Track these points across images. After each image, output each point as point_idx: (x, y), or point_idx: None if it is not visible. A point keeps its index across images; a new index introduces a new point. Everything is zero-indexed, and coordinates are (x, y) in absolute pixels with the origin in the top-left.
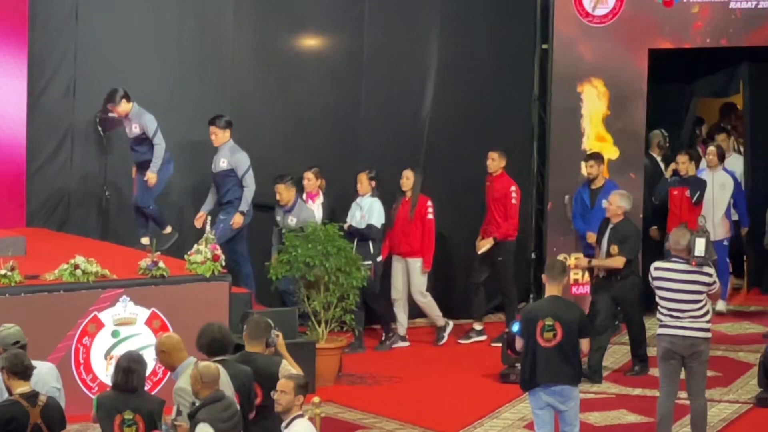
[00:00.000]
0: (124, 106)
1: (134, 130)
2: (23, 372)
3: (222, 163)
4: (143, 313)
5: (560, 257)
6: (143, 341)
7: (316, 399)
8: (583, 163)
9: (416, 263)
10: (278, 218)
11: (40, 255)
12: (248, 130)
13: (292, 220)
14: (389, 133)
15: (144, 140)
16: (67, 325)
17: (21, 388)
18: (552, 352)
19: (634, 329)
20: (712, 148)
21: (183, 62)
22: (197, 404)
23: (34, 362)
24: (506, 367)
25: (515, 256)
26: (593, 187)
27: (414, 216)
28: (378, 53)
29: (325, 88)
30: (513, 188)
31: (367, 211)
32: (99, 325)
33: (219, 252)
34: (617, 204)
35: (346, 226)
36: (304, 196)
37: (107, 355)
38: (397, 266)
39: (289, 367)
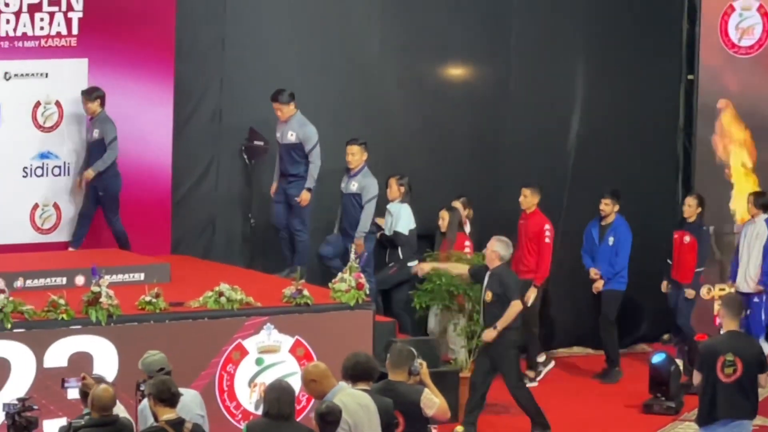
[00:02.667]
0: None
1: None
2: (170, 399)
3: (290, 136)
4: (287, 341)
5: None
6: (287, 369)
7: (459, 428)
8: (602, 200)
9: None
10: (342, 184)
11: (185, 282)
12: (393, 157)
13: (353, 185)
14: (535, 161)
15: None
16: (211, 352)
17: (167, 415)
18: (732, 388)
19: None
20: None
21: (328, 90)
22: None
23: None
24: (651, 397)
25: (543, 294)
26: (603, 223)
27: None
28: (524, 81)
29: (470, 116)
30: (547, 226)
31: (395, 217)
32: (243, 352)
33: (363, 280)
34: (492, 249)
35: (378, 234)
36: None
37: (251, 382)
38: None
39: (431, 396)
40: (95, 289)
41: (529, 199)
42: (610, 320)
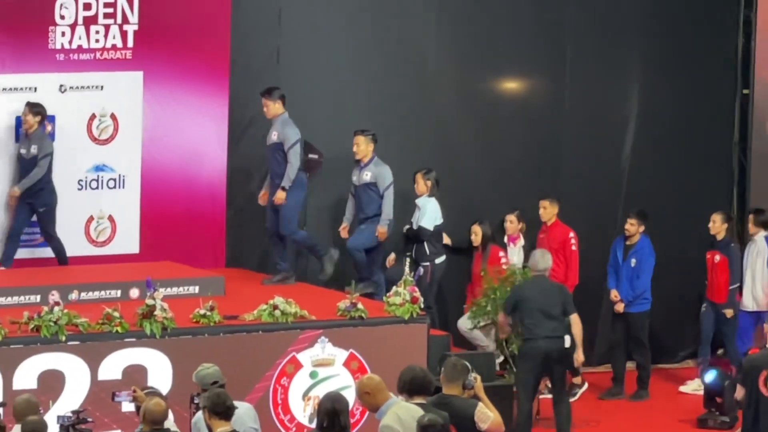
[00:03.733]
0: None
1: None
2: (225, 412)
3: (273, 136)
4: (341, 354)
5: None
6: (341, 382)
7: None
8: (628, 219)
9: None
10: (354, 177)
11: (240, 295)
12: (449, 171)
13: (366, 175)
14: (589, 177)
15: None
16: (265, 365)
17: (222, 427)
18: None
19: None
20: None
21: (384, 104)
22: None
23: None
24: (705, 412)
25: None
26: (628, 243)
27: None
28: (579, 96)
29: (525, 131)
30: (571, 234)
31: (421, 211)
32: (297, 365)
33: (418, 294)
34: None
35: (405, 229)
36: (506, 239)
37: (305, 396)
38: None
39: (485, 410)
40: (150, 302)
41: (548, 211)
42: (642, 342)
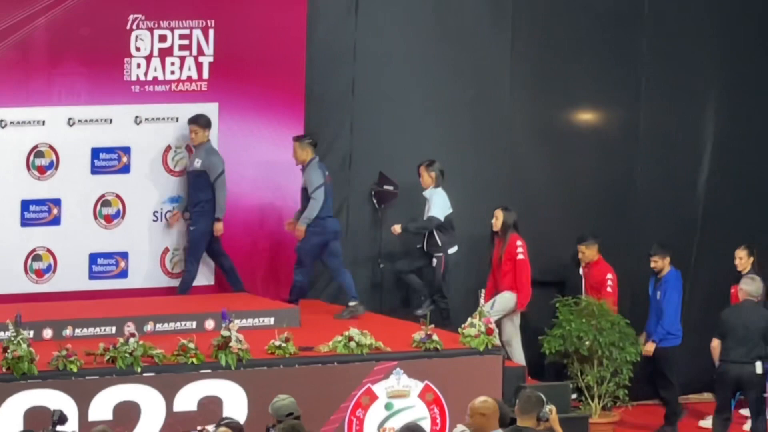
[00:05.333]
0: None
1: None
2: None
3: (196, 163)
4: (417, 385)
5: None
6: (417, 414)
7: None
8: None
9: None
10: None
11: (315, 326)
12: (522, 201)
13: (303, 181)
14: (665, 206)
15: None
16: (340, 396)
17: None
18: None
19: None
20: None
21: (458, 134)
22: None
23: None
24: None
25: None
26: (659, 277)
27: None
28: (653, 127)
29: (599, 161)
30: (609, 276)
31: (429, 203)
32: (373, 397)
33: (493, 326)
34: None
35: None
36: (580, 270)
37: (380, 427)
38: None
39: None
40: (225, 333)
41: (587, 254)
42: (666, 378)
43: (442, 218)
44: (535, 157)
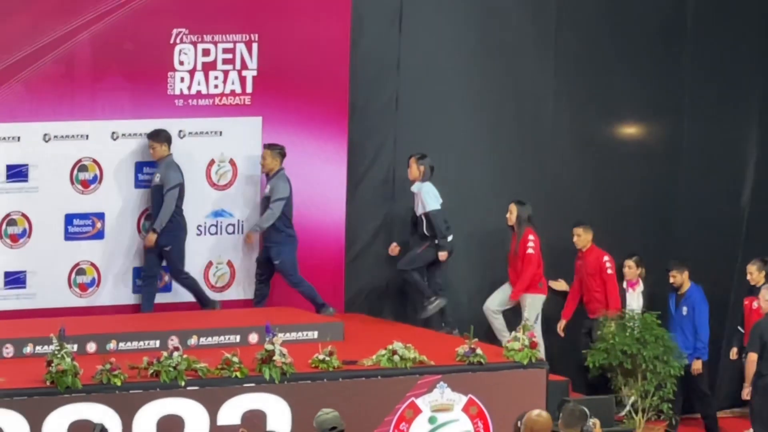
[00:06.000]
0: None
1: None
2: None
3: (156, 178)
4: (460, 399)
5: None
6: (461, 428)
7: None
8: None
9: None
10: (266, 190)
11: (358, 340)
12: (564, 215)
13: (267, 189)
14: (706, 221)
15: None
16: (384, 410)
17: None
18: None
19: None
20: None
21: (501, 148)
22: None
23: None
24: None
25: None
26: (679, 292)
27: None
28: (697, 139)
29: (642, 174)
30: (606, 258)
31: (423, 197)
32: (416, 411)
33: (537, 339)
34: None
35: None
36: (625, 284)
37: None
38: None
39: None
40: (269, 347)
41: (583, 238)
42: (704, 392)
43: (440, 208)
44: (578, 171)
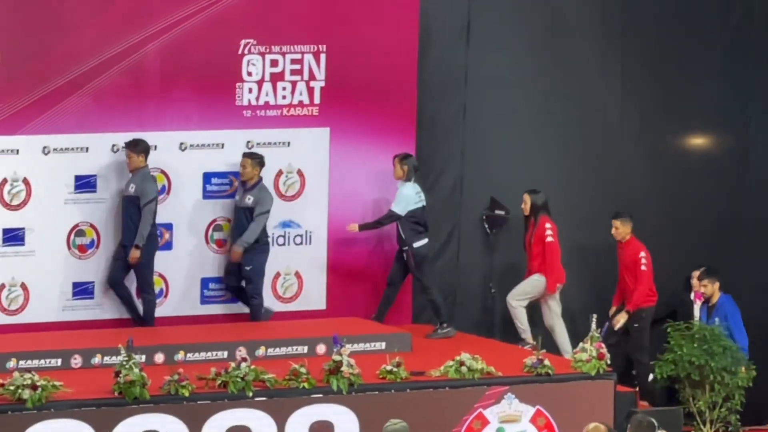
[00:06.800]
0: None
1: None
2: None
3: (130, 188)
4: (528, 410)
5: None
6: None
7: None
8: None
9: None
10: (237, 197)
11: (426, 351)
12: (633, 224)
13: (249, 199)
14: None
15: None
16: (452, 421)
17: None
18: None
19: None
20: None
21: (569, 160)
22: None
23: None
24: None
25: (651, 322)
26: (710, 304)
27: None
28: (764, 151)
29: (709, 185)
30: (642, 254)
31: (396, 197)
32: (484, 422)
33: (604, 350)
34: None
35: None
36: (692, 295)
37: None
38: None
39: None
40: (337, 358)
41: (621, 230)
42: None
43: (402, 213)
44: (644, 181)
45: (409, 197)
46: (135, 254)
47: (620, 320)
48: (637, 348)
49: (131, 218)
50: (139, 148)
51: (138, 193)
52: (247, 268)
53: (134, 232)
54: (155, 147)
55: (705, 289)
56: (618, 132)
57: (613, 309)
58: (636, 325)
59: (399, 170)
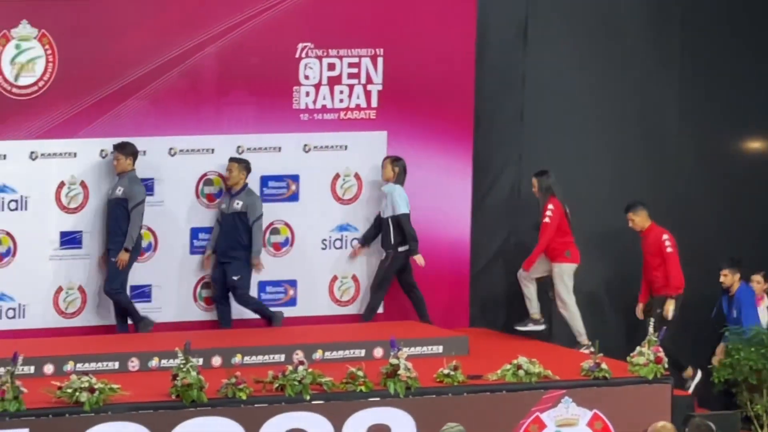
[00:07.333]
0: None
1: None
2: None
3: (118, 191)
4: (585, 414)
5: None
6: None
7: None
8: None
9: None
10: (223, 205)
11: (483, 355)
12: (688, 230)
13: (237, 204)
14: None
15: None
16: (509, 425)
17: None
18: None
19: None
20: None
21: (626, 163)
22: None
23: None
24: None
25: (679, 307)
26: (730, 294)
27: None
28: None
29: (765, 189)
30: (665, 237)
31: (395, 199)
32: (541, 425)
33: (662, 354)
34: None
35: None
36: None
37: None
38: None
39: None
40: (394, 361)
41: (637, 221)
42: None
43: (408, 211)
44: (701, 186)
45: (406, 198)
46: (123, 257)
47: (669, 309)
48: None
49: (117, 221)
50: (127, 150)
51: (126, 195)
52: (235, 278)
53: (120, 236)
54: (212, 150)
55: (725, 278)
56: (675, 134)
57: (640, 305)
58: (658, 310)
59: (389, 171)
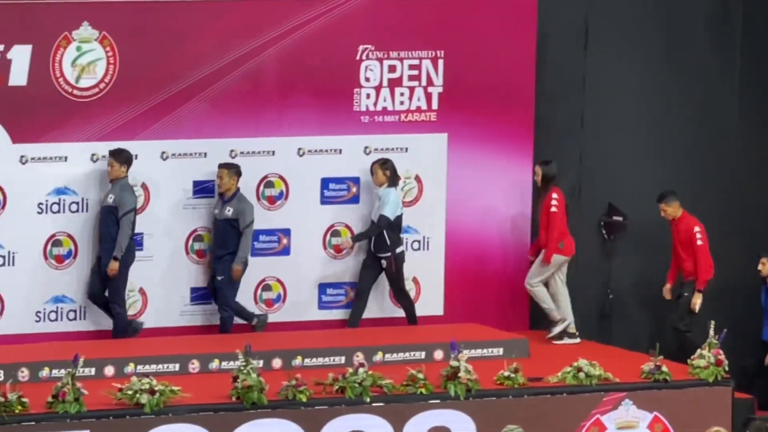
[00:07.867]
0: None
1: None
2: None
3: (109, 198)
4: (646, 417)
5: None
6: None
7: None
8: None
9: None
10: (216, 211)
11: (544, 357)
12: (751, 234)
13: (229, 211)
14: None
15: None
16: (569, 427)
17: None
18: None
19: None
20: None
21: (686, 166)
22: None
23: None
24: None
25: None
26: (766, 284)
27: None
28: None
29: None
30: (697, 228)
31: (383, 201)
32: (601, 428)
33: (722, 357)
34: None
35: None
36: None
37: None
38: None
39: None
40: (454, 363)
41: (669, 212)
42: None
43: (392, 218)
44: (758, 188)
45: (396, 202)
46: (114, 266)
47: (696, 303)
48: (678, 317)
49: (109, 229)
50: (122, 157)
51: (116, 203)
52: (220, 278)
53: (111, 243)
54: (273, 152)
55: (762, 266)
56: (735, 139)
57: (668, 286)
58: (686, 294)
59: (381, 176)
